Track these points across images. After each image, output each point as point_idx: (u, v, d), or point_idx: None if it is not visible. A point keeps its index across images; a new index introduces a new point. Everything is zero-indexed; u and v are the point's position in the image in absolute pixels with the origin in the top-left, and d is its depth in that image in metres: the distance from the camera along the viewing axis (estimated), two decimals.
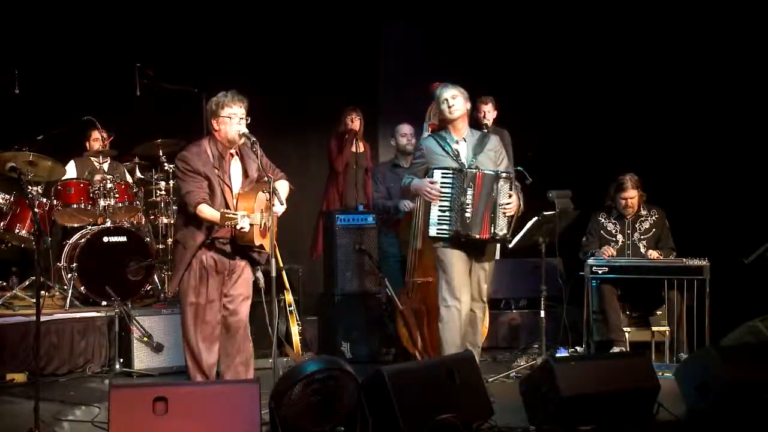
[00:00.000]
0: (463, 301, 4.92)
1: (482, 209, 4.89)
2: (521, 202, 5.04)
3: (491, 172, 4.93)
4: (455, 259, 4.95)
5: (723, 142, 6.82)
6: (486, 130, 6.94)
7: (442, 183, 4.89)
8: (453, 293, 4.92)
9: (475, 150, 5.05)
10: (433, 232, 4.93)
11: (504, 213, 4.93)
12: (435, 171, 4.93)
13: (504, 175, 4.96)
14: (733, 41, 6.78)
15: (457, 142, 5.07)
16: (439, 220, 4.91)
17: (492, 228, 4.91)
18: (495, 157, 5.10)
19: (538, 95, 7.92)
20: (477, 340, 5.16)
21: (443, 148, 5.02)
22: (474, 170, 4.91)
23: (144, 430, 3.62)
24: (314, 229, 7.04)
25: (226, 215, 4.10)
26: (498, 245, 7.12)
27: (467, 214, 4.87)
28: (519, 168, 5.40)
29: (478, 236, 4.89)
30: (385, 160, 7.45)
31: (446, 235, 4.91)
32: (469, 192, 4.88)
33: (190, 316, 4.41)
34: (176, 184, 6.32)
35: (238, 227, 4.14)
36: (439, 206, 4.90)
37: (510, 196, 4.94)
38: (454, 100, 5.02)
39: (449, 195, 4.89)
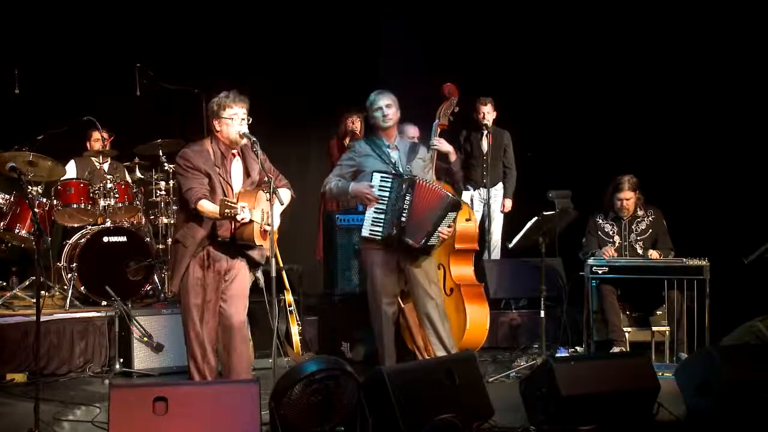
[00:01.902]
0: (385, 300, 5.06)
1: (422, 219, 4.96)
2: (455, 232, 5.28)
3: (448, 195, 5.02)
4: (378, 263, 5.04)
5: (723, 142, 6.82)
6: (486, 131, 7.00)
7: (380, 186, 4.97)
8: (375, 295, 5.07)
9: (408, 156, 5.14)
10: (365, 232, 5.01)
11: (440, 235, 5.04)
12: (375, 174, 5.01)
13: (461, 203, 5.15)
14: (732, 41, 6.79)
15: (389, 147, 5.14)
16: (373, 221, 4.99)
17: (424, 241, 4.99)
18: (424, 166, 5.20)
19: (538, 95, 7.92)
20: (446, 342, 5.09)
21: (376, 152, 5.10)
22: (414, 177, 4.97)
23: (144, 430, 3.61)
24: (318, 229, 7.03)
25: (226, 203, 4.08)
26: (497, 247, 7.18)
27: (403, 218, 4.94)
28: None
29: (411, 242, 4.97)
30: None
31: (378, 237, 4.98)
32: (407, 198, 4.94)
33: (189, 317, 4.41)
34: (176, 184, 6.32)
35: (238, 218, 4.14)
36: (375, 208, 4.98)
37: (450, 227, 5.07)
38: (389, 109, 5.12)
39: (386, 198, 4.96)
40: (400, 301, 5.68)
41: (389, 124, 5.13)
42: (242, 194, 4.37)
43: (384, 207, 4.96)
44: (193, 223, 4.37)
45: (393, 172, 5.02)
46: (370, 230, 4.99)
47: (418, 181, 4.97)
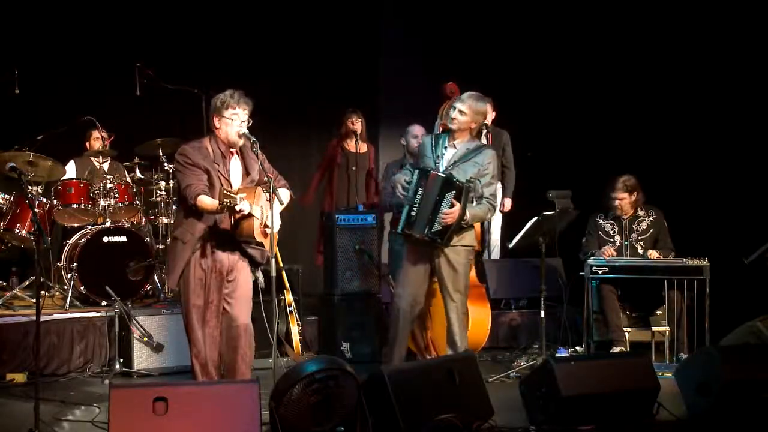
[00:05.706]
0: (402, 296, 5.04)
1: (426, 209, 4.90)
2: (467, 216, 4.88)
3: (442, 175, 4.89)
4: (406, 255, 5.09)
5: (723, 142, 6.82)
6: (486, 130, 6.98)
7: (406, 180, 4.99)
8: (396, 286, 5.14)
9: (460, 158, 5.00)
10: (399, 229, 5.05)
11: (441, 219, 4.86)
12: (406, 169, 5.13)
13: (457, 182, 4.85)
14: (733, 41, 6.79)
15: (446, 148, 5.07)
16: (403, 217, 5.00)
17: (427, 229, 4.88)
18: (479, 170, 4.96)
19: (538, 95, 7.92)
20: (459, 346, 5.02)
21: (432, 149, 5.07)
22: (428, 169, 4.94)
23: (144, 430, 3.61)
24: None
25: (225, 192, 4.06)
26: (497, 247, 7.18)
27: (413, 213, 4.93)
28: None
29: (417, 236, 4.93)
30: (387, 159, 7.40)
31: (405, 232, 5.00)
32: (420, 192, 4.92)
33: (191, 317, 4.39)
34: (176, 183, 6.31)
35: (237, 208, 4.11)
36: (405, 203, 4.99)
37: (453, 205, 4.84)
38: (461, 115, 4.99)
39: (410, 193, 4.97)
40: None
41: (452, 126, 5.04)
42: (241, 191, 4.34)
43: (408, 202, 4.97)
44: (192, 219, 4.34)
45: (420, 167, 5.00)
46: (401, 226, 5.02)
47: (431, 173, 4.91)
